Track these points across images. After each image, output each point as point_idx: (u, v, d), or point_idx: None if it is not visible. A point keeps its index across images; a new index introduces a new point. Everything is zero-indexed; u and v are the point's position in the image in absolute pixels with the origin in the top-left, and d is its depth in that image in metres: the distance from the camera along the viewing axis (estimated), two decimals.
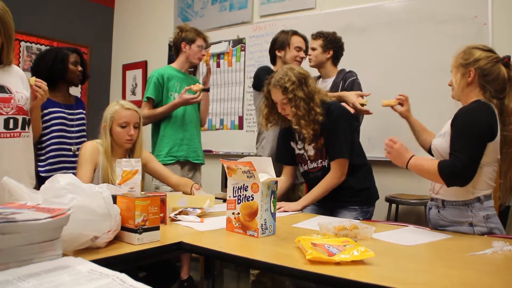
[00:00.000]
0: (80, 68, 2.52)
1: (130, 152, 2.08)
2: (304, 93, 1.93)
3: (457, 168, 1.46)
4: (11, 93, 1.74)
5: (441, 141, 1.60)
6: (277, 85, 1.94)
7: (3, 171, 1.61)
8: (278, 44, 2.59)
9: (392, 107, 1.97)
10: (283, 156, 2.20)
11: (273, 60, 2.66)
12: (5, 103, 1.71)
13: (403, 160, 1.58)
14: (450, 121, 1.59)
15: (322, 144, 2.02)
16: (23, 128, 1.77)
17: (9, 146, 1.73)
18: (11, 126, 1.72)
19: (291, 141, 2.14)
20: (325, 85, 2.56)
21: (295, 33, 2.61)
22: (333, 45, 2.56)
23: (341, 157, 1.96)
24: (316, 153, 2.05)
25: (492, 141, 1.50)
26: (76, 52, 2.55)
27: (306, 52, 2.62)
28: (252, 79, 2.83)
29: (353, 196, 2.02)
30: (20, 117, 1.75)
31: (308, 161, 2.09)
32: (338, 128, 1.96)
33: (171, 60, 4.46)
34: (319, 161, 2.05)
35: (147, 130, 2.78)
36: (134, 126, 2.00)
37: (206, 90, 2.77)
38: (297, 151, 2.12)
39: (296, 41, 2.57)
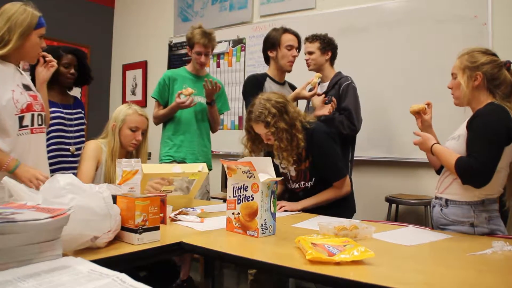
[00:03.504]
0: (72, 71, 2.43)
1: (132, 157, 2.09)
2: (285, 123, 1.89)
3: (473, 168, 1.46)
4: (35, 92, 1.86)
5: (455, 144, 1.59)
6: (259, 121, 1.90)
7: (33, 164, 1.75)
8: (269, 44, 2.55)
9: (419, 113, 1.77)
10: None
11: (267, 60, 2.63)
12: (35, 100, 1.81)
13: (427, 146, 1.64)
14: (464, 123, 1.58)
15: (306, 167, 2.00)
16: (45, 124, 1.91)
17: (39, 141, 1.84)
18: (39, 122, 1.83)
19: (274, 158, 2.08)
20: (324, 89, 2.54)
21: (285, 30, 2.54)
22: (330, 46, 2.54)
23: (341, 178, 1.98)
24: (298, 175, 2.04)
25: (508, 145, 1.49)
26: (73, 53, 2.47)
27: (298, 49, 2.56)
28: None
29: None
30: (43, 114, 1.86)
31: (291, 181, 2.08)
32: (328, 152, 1.96)
33: (171, 60, 4.48)
34: (302, 182, 2.04)
35: (158, 129, 2.78)
36: (142, 132, 2.07)
37: (209, 103, 2.69)
38: (280, 170, 2.10)
39: (286, 39, 2.50)
